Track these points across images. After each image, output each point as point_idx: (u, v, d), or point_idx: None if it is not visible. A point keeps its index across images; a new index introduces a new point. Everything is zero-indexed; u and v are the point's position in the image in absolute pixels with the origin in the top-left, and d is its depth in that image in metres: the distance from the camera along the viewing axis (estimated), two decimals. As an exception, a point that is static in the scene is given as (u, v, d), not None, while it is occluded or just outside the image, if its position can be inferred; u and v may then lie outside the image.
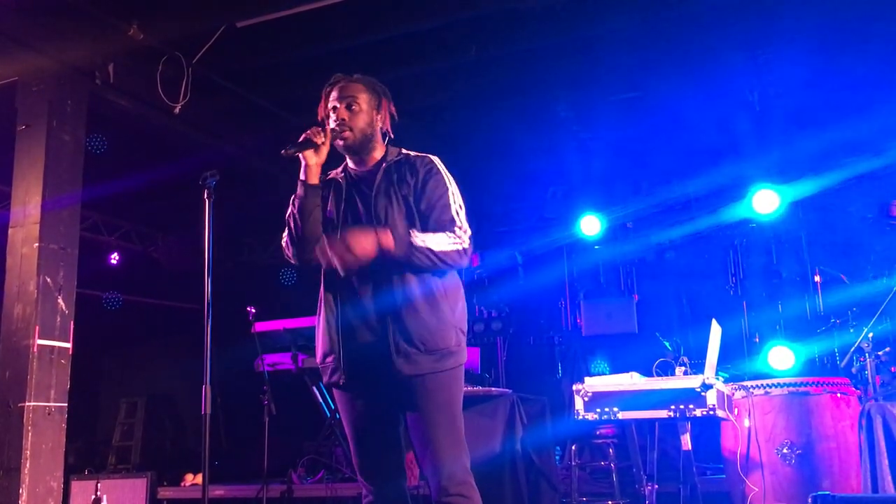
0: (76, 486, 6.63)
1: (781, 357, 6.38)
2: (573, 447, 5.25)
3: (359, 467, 2.85)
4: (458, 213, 2.80)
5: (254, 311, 6.35)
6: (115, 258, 9.29)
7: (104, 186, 7.08)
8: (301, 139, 2.81)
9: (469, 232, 2.80)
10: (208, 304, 3.02)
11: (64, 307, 5.53)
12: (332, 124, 2.86)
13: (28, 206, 5.55)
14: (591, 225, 7.93)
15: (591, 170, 7.81)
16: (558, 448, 5.74)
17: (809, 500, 3.09)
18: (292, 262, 2.90)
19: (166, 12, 5.60)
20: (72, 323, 5.57)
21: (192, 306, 8.51)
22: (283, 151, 2.80)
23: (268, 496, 6.10)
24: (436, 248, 2.69)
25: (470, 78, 6.48)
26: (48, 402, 5.37)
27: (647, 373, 4.37)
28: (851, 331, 5.93)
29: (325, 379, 2.84)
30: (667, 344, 6.53)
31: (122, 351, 10.19)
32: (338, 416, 7.28)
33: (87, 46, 5.65)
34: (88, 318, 6.20)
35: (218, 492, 6.62)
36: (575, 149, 7.57)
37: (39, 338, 5.34)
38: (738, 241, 7.60)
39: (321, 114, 2.94)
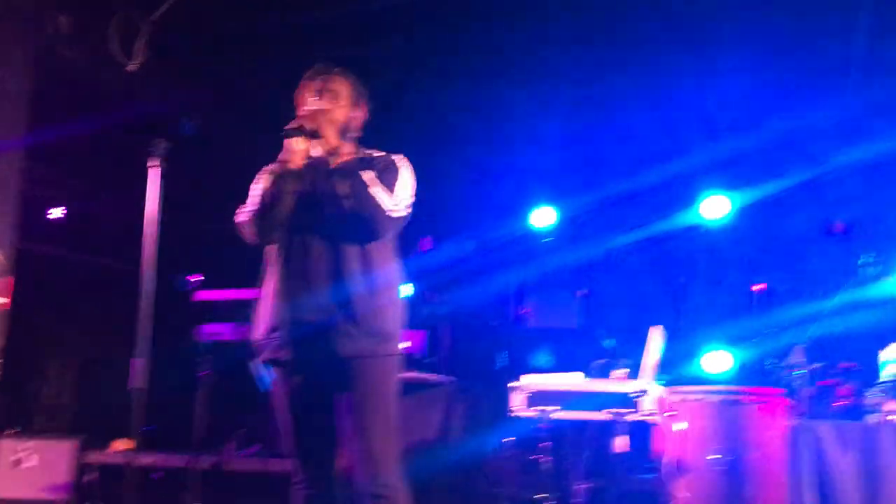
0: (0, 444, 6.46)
1: (717, 361, 6.52)
2: (507, 440, 5.29)
3: (294, 451, 2.85)
4: (402, 192, 2.89)
5: (194, 279, 6.23)
6: (57, 213, 9.02)
7: (49, 138, 6.84)
8: (304, 126, 2.84)
9: (405, 213, 2.89)
10: (146, 279, 2.95)
11: (1, 261, 5.36)
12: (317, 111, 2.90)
13: (-33, 155, 5.35)
14: (541, 217, 7.96)
15: (544, 162, 7.83)
16: (495, 441, 5.76)
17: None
18: (249, 240, 2.90)
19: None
20: (10, 279, 5.40)
21: (136, 268, 8.33)
22: (285, 129, 2.83)
23: (198, 467, 6.03)
24: (375, 193, 2.77)
25: (424, 63, 6.44)
26: (-24, 358, 5.22)
27: (588, 369, 4.42)
28: (787, 340, 6.06)
29: (265, 355, 2.85)
30: (607, 343, 6.60)
31: (60, 310, 9.92)
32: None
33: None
34: (29, 273, 6.02)
35: (146, 460, 6.51)
36: (528, 140, 7.58)
37: (-29, 292, 5.18)
38: (684, 246, 7.71)
39: (299, 101, 3.01)
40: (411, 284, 8.18)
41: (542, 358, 6.88)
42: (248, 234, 2.89)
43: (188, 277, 6.29)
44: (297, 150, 2.83)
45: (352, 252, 2.81)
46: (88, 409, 8.80)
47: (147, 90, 6.59)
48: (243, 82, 6.93)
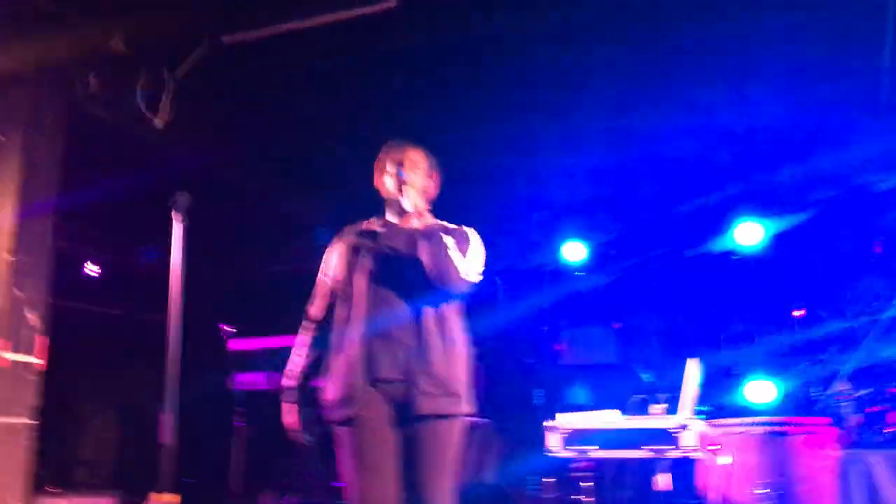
0: None
1: (760, 391, 6.34)
2: (546, 480, 5.17)
3: (358, 500, 2.90)
4: (474, 260, 3.12)
5: (227, 328, 6.25)
6: (91, 269, 9.14)
7: (81, 196, 6.97)
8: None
9: (476, 279, 3.09)
10: (173, 331, 2.95)
11: (33, 321, 5.41)
12: (391, 181, 3.20)
13: (1, 217, 5.43)
14: (574, 251, 7.88)
15: (575, 196, 7.77)
16: (531, 479, 5.65)
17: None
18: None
19: (151, 25, 5.53)
20: (42, 337, 5.45)
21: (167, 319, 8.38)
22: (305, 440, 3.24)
23: (236, 519, 6.00)
24: (454, 256, 3.00)
25: (454, 99, 6.44)
26: (15, 418, 5.24)
27: (625, 405, 4.31)
28: (831, 368, 5.90)
29: (337, 415, 2.99)
30: (644, 377, 6.47)
31: (98, 364, 10.01)
32: (311, 438, 7.17)
33: (68, 57, 5.56)
34: (64, 330, 6.08)
35: (186, 513, 6.48)
36: (559, 174, 7.54)
37: (7, 352, 5.21)
38: (719, 273, 7.57)
39: (380, 173, 3.29)
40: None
41: (579, 394, 6.76)
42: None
43: (222, 327, 6.31)
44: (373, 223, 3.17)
45: (429, 313, 3.00)
46: (128, 463, 8.81)
47: (174, 145, 6.68)
48: (269, 133, 7.01)
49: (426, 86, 6.29)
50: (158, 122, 5.96)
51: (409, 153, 3.31)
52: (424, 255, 2.98)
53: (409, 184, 3.17)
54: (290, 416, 3.17)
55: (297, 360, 3.23)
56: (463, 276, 3.00)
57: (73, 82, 5.77)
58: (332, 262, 3.24)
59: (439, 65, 5.99)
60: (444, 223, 3.27)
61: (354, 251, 3.15)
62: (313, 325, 3.25)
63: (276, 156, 7.43)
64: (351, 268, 3.12)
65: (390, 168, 3.24)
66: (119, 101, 5.97)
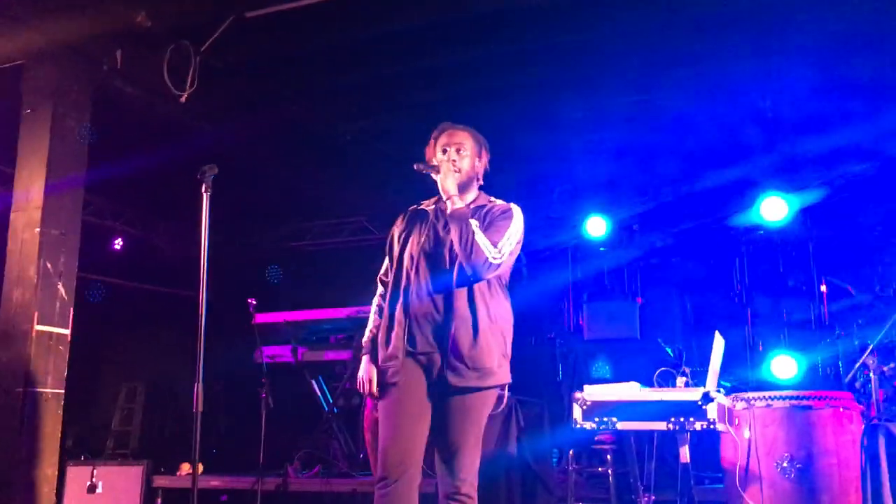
0: (72, 471, 6.62)
1: (784, 366, 6.33)
2: (570, 452, 5.21)
3: (386, 456, 3.16)
4: (506, 242, 3.22)
5: (254, 302, 6.32)
6: (117, 243, 9.26)
7: (107, 171, 7.04)
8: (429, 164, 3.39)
9: (507, 259, 3.25)
10: (203, 304, 3.00)
11: (64, 293, 5.50)
12: (443, 162, 3.36)
13: (31, 190, 5.51)
14: (596, 226, 7.86)
15: (597, 171, 7.74)
16: (555, 451, 5.70)
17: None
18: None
19: (176, 1, 5.55)
20: (71, 309, 5.55)
21: (193, 294, 8.48)
22: (415, 165, 3.37)
23: (263, 489, 6.09)
24: (479, 240, 3.14)
25: (477, 75, 6.41)
26: (45, 388, 5.35)
27: (648, 379, 4.33)
28: (856, 343, 5.88)
29: (382, 378, 3.25)
30: (669, 350, 6.47)
31: (124, 336, 10.17)
32: (336, 410, 7.27)
33: (95, 32, 5.60)
34: (90, 302, 6.18)
35: (213, 482, 6.61)
36: (581, 150, 7.50)
37: (38, 323, 5.31)
38: (744, 249, 7.52)
39: (429, 155, 3.47)
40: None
41: (602, 368, 6.78)
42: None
43: (249, 300, 6.38)
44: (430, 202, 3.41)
45: (461, 293, 3.19)
46: (155, 433, 8.97)
47: (199, 119, 6.73)
48: (292, 107, 7.03)
49: (449, 62, 6.27)
50: (183, 98, 6.01)
51: (455, 136, 3.44)
52: (454, 238, 3.17)
53: (453, 167, 3.34)
54: (365, 370, 3.34)
55: (371, 321, 3.43)
56: (490, 259, 3.13)
57: (100, 58, 5.82)
58: (392, 236, 3.46)
59: (462, 41, 5.97)
60: (492, 200, 3.42)
61: (407, 228, 3.38)
62: (383, 291, 3.44)
63: (301, 131, 7.44)
64: (402, 245, 3.35)
65: (438, 151, 3.42)
66: (144, 76, 6.02)
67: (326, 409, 7.30)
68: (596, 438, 5.20)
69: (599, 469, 5.36)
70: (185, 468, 6.91)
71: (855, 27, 5.74)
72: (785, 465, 4.19)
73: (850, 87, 6.50)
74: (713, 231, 7.55)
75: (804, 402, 4.31)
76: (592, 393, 3.72)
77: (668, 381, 4.51)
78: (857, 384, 5.06)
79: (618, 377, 5.82)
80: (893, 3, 5.44)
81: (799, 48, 5.96)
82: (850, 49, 6.01)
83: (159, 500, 6.64)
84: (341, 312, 7.41)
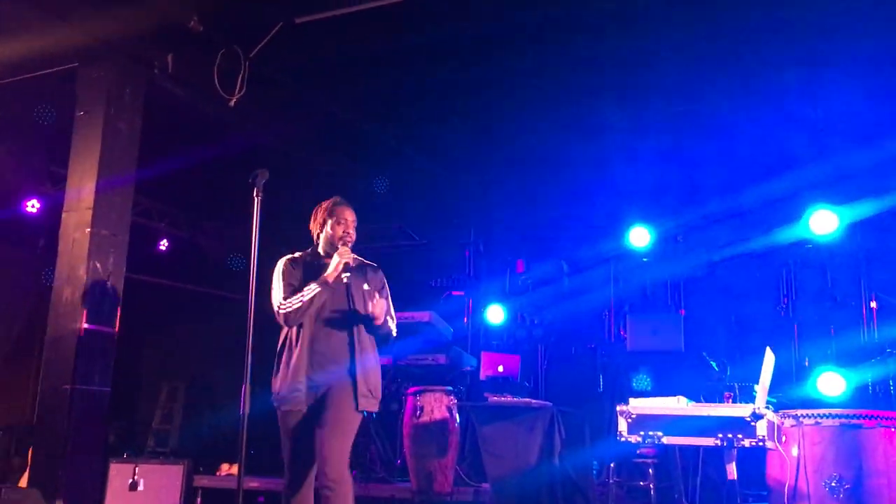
0: (114, 468, 6.69)
1: (832, 384, 6.18)
2: (612, 464, 5.15)
3: (293, 469, 3.89)
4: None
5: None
6: (163, 244, 9.39)
7: (155, 172, 7.15)
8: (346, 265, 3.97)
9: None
10: (252, 306, 3.02)
11: (112, 293, 5.59)
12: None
13: (82, 191, 5.62)
14: (640, 236, 7.78)
15: (641, 181, 7.67)
16: (595, 463, 5.64)
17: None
18: (285, 323, 3.85)
19: (226, 5, 5.63)
20: (119, 309, 5.63)
21: (236, 296, 8.56)
22: (345, 265, 3.97)
23: (301, 492, 6.10)
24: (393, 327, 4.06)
25: (522, 83, 6.40)
26: (91, 385, 5.44)
27: (691, 393, 4.26)
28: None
29: (287, 406, 3.83)
30: (713, 364, 6.37)
31: (167, 336, 10.30)
32: (374, 416, 7.27)
33: (147, 36, 5.70)
34: (135, 301, 6.26)
35: (253, 483, 6.64)
36: (626, 159, 7.44)
37: (87, 322, 5.41)
38: (792, 262, 7.37)
39: (343, 218, 4.18)
40: (505, 307, 8.15)
41: (644, 381, 6.70)
42: (288, 320, 3.82)
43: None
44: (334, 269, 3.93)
45: (357, 337, 3.88)
46: (196, 434, 9.06)
47: (246, 122, 6.80)
48: (336, 112, 7.07)
49: (493, 71, 6.26)
50: (232, 101, 6.08)
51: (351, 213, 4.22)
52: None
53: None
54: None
55: None
56: (390, 333, 4.09)
57: (152, 60, 5.92)
58: None
59: (506, 49, 5.96)
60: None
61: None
62: None
63: (345, 135, 7.49)
64: None
65: (351, 223, 4.18)
66: (195, 79, 6.10)
67: (365, 414, 7.30)
68: (638, 452, 5.13)
69: (641, 483, 5.29)
70: (225, 468, 6.97)
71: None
72: (834, 484, 4.10)
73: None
74: (760, 243, 7.42)
75: (854, 421, 4.21)
76: (638, 406, 3.67)
77: (713, 396, 4.44)
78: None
79: (660, 390, 5.74)
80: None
81: (849, 57, 5.86)
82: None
83: (199, 500, 6.70)
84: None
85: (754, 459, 4.63)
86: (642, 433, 3.59)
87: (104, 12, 5.53)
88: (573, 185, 8.07)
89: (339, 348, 3.84)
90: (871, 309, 6.73)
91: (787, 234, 7.19)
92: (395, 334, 4.08)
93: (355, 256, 4.06)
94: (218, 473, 6.84)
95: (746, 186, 7.33)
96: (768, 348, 3.68)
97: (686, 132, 7.14)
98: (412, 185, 8.32)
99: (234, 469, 6.65)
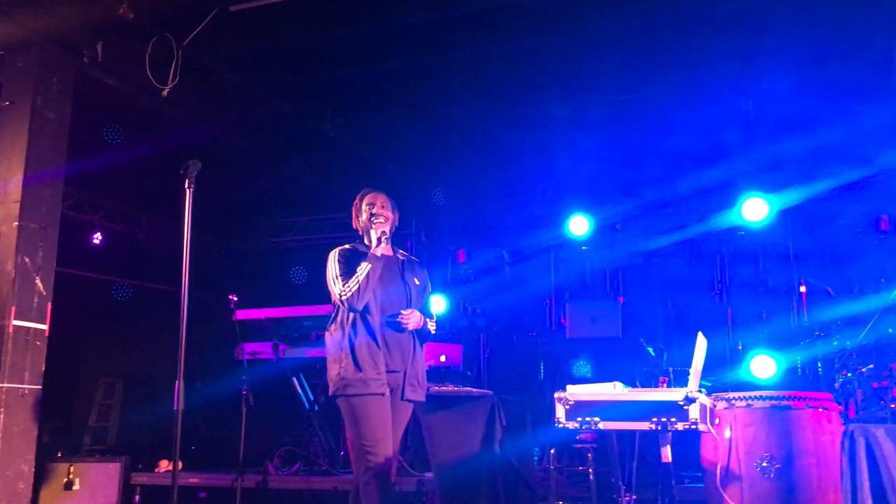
0: (49, 468, 6.55)
1: (764, 366, 6.37)
2: (552, 451, 5.21)
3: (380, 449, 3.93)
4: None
5: (235, 298, 6.27)
6: (97, 238, 9.15)
7: (88, 164, 6.97)
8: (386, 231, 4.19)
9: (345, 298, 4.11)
10: (185, 298, 2.96)
11: (41, 288, 5.43)
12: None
13: (9, 183, 5.44)
14: (579, 225, 7.87)
15: (581, 170, 7.76)
16: (537, 450, 5.70)
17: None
18: (351, 308, 4.02)
19: (158, -8, 5.49)
20: (49, 304, 5.48)
21: (175, 289, 8.39)
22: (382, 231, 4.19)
23: (243, 486, 6.05)
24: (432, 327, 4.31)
25: (463, 74, 6.40)
26: (22, 384, 5.29)
27: (630, 378, 4.34)
28: (835, 344, 5.93)
29: (375, 388, 3.95)
30: (650, 350, 6.49)
31: (102, 332, 10.05)
32: (316, 408, 7.24)
33: (76, 23, 5.53)
34: (69, 297, 6.09)
35: (193, 480, 6.56)
36: (566, 149, 7.52)
37: (15, 318, 5.25)
38: (725, 249, 7.57)
39: (372, 204, 4.28)
40: (447, 297, 8.18)
41: (584, 368, 6.79)
42: (355, 305, 4.00)
43: (230, 296, 6.33)
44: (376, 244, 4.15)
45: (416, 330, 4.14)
46: (132, 430, 8.88)
47: (182, 113, 6.66)
48: (276, 103, 6.98)
49: (434, 62, 6.25)
50: (165, 91, 5.94)
51: (386, 198, 4.32)
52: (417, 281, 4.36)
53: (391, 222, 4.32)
54: None
55: None
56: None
57: (81, 49, 5.75)
58: None
59: (447, 41, 5.95)
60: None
61: None
62: None
63: (284, 127, 7.39)
64: None
65: (382, 206, 4.27)
66: (126, 68, 5.95)
67: (307, 406, 7.27)
68: (577, 438, 5.20)
69: (581, 468, 5.36)
70: (164, 465, 6.86)
71: (836, 29, 5.79)
72: (765, 464, 4.21)
73: (830, 89, 6.55)
74: (695, 231, 7.58)
75: (784, 403, 4.33)
76: (575, 392, 3.72)
77: (650, 381, 4.53)
78: (837, 385, 5.10)
79: (599, 376, 5.82)
80: (872, 6, 5.49)
81: (780, 50, 6.00)
82: (831, 51, 6.06)
83: (137, 498, 6.58)
84: (323, 310, 7.36)
85: (690, 442, 4.74)
86: (579, 419, 3.64)
87: (31, 0, 5.35)
88: (514, 176, 8.12)
89: (404, 338, 4.09)
90: (801, 294, 6.94)
91: (721, 222, 7.37)
92: (434, 332, 4.31)
93: (404, 252, 4.36)
94: (156, 470, 6.73)
95: (682, 176, 7.48)
96: (700, 333, 3.76)
97: (624, 123, 7.24)
98: (353, 176, 8.26)
99: (172, 465, 6.55)
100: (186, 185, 3.14)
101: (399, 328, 4.06)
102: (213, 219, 8.84)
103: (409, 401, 4.11)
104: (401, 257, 4.31)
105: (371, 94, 6.87)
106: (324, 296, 7.53)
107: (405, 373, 4.04)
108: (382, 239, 4.16)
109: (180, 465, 6.66)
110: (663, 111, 6.95)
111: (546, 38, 5.89)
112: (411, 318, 4.04)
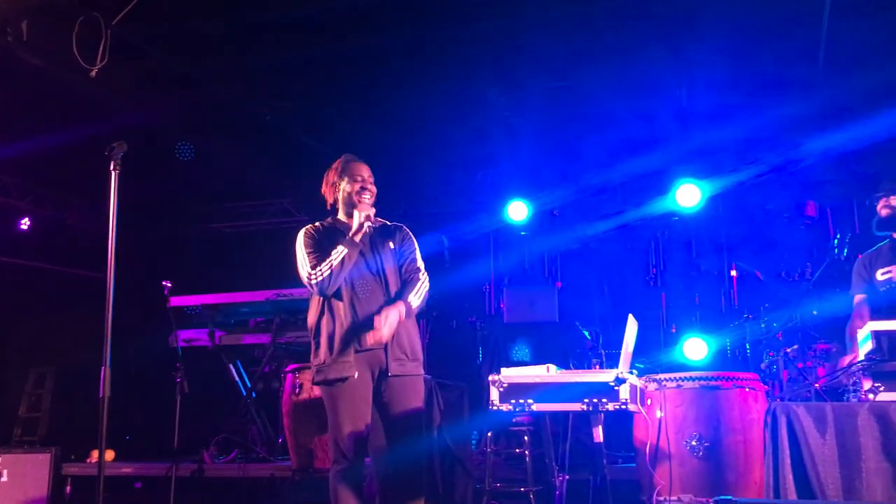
0: (-25, 460, 6.36)
1: (695, 348, 6.53)
2: (489, 434, 5.27)
3: (345, 438, 3.74)
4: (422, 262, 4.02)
5: (169, 285, 6.15)
6: (25, 223, 8.87)
7: (15, 148, 6.74)
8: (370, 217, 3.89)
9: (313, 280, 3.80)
10: (111, 283, 2.90)
11: (-36, 275, 5.25)
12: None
13: (-72, 166, 5.24)
14: (518, 211, 7.93)
15: (519, 156, 7.81)
16: (475, 434, 5.75)
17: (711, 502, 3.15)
18: (320, 293, 3.78)
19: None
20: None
21: (105, 276, 8.20)
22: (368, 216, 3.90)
23: (178, 475, 5.96)
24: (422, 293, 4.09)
25: (401, 58, 6.37)
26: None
27: (566, 361, 4.40)
28: (762, 325, 6.11)
29: (334, 373, 3.74)
30: (586, 333, 6.60)
31: (32, 320, 9.77)
32: (254, 395, 7.17)
33: (0, 1, 5.34)
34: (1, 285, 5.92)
35: (125, 469, 6.44)
36: (504, 134, 7.56)
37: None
38: (660, 234, 7.72)
39: (358, 174, 4.02)
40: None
41: (521, 351, 6.87)
42: (325, 288, 3.74)
43: (163, 283, 6.20)
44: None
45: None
46: (64, 420, 8.68)
47: (113, 95, 6.48)
48: (211, 86, 6.84)
49: (370, 47, 6.20)
50: (93, 72, 5.77)
51: (368, 171, 4.07)
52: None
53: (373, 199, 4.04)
54: None
55: None
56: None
57: (5, 27, 5.55)
58: None
59: (382, 26, 5.91)
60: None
61: None
62: None
63: (219, 110, 7.25)
64: None
65: (368, 179, 4.03)
66: (52, 48, 5.76)
67: (245, 393, 7.20)
68: (514, 420, 5.27)
69: (517, 450, 5.43)
70: (96, 455, 6.71)
71: (762, 23, 5.93)
72: (694, 443, 4.33)
73: (759, 80, 6.72)
74: (631, 216, 7.72)
75: (713, 383, 4.45)
76: (509, 375, 3.76)
77: (584, 363, 4.60)
78: (764, 365, 5.25)
79: (537, 360, 5.88)
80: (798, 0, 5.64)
81: (710, 40, 6.12)
82: (759, 44, 6.21)
83: (69, 488, 6.44)
84: (261, 296, 7.30)
85: (624, 424, 4.84)
86: (513, 401, 3.68)
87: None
88: (453, 161, 8.12)
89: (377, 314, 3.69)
90: (732, 278, 7.12)
91: (656, 208, 7.51)
92: (426, 295, 4.07)
93: (378, 218, 3.97)
94: (88, 461, 6.59)
95: (619, 162, 7.59)
96: (630, 315, 3.84)
97: (562, 109, 7.30)
98: (291, 161, 8.17)
99: (106, 456, 6.43)
100: (112, 168, 3.06)
101: (371, 299, 3.75)
102: (147, 204, 8.64)
103: (398, 375, 3.75)
104: (372, 219, 3.92)
105: (308, 79, 6.79)
106: (262, 282, 7.49)
107: (386, 347, 3.71)
108: (366, 225, 3.86)
109: (114, 454, 6.56)
110: (600, 98, 7.03)
111: (483, 23, 5.90)
112: (385, 327, 3.64)
